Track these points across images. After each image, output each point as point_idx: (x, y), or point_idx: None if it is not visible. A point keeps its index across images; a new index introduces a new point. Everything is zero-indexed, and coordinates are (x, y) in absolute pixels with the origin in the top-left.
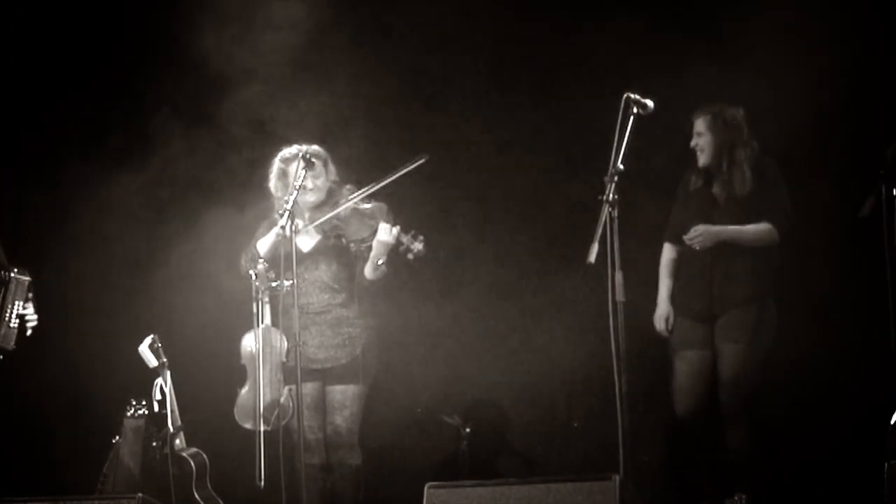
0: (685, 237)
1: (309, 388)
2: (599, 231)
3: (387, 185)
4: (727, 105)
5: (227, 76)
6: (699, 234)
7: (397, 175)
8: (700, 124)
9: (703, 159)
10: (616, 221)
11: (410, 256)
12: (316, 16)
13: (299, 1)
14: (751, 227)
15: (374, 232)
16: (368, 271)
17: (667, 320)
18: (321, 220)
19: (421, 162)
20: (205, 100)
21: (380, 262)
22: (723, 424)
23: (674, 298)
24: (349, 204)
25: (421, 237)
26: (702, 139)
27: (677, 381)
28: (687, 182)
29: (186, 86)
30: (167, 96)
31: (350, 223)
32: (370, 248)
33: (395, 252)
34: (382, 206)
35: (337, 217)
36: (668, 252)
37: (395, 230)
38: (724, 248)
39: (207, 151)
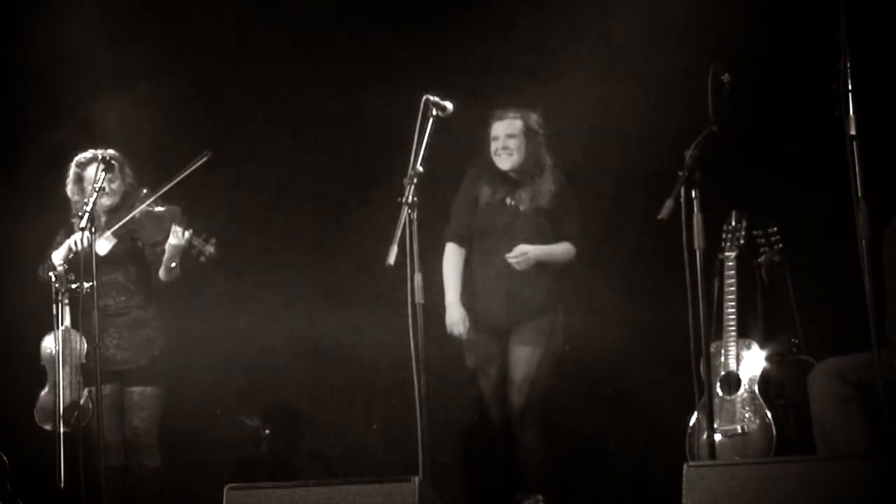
0: (508, 257)
1: (108, 390)
2: (399, 233)
3: (183, 189)
4: (530, 110)
5: (17, 74)
6: (522, 255)
7: (183, 175)
8: (511, 126)
9: (509, 163)
10: (415, 223)
11: (203, 259)
12: (107, 17)
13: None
14: (559, 248)
15: (168, 235)
16: (162, 273)
17: (463, 321)
18: (117, 226)
19: (204, 160)
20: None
21: (172, 264)
22: (516, 426)
23: (469, 309)
24: (142, 207)
25: (213, 240)
26: (513, 141)
27: (485, 396)
28: (478, 185)
29: None
30: None
31: (144, 227)
32: (164, 250)
33: (188, 255)
34: (176, 209)
35: (132, 220)
36: (452, 253)
37: (188, 234)
38: None
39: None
